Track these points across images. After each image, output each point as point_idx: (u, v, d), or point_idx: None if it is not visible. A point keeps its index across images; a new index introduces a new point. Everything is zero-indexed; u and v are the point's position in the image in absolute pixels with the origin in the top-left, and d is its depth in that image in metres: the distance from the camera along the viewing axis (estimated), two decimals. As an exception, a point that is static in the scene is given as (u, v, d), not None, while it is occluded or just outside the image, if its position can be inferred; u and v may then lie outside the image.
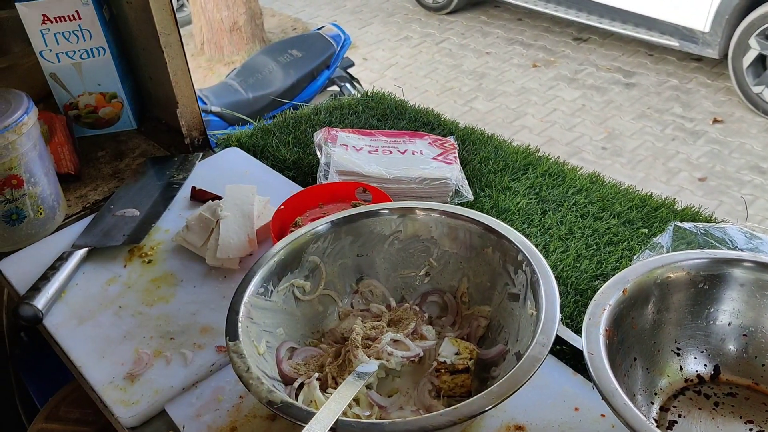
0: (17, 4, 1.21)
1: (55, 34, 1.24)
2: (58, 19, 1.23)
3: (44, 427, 1.20)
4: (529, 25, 4.90)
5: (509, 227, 0.83)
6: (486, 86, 4.25)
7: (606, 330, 0.73)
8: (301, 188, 1.11)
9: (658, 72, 4.24)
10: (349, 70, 3.69)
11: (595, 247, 1.00)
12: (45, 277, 0.99)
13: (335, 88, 3.61)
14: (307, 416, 0.66)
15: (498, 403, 0.66)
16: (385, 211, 0.89)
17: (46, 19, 1.23)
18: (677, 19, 4.00)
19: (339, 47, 3.52)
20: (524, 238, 0.82)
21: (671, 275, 0.79)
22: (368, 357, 0.80)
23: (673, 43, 4.10)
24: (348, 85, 3.58)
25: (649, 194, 1.12)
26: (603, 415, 0.77)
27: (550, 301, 0.74)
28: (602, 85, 4.17)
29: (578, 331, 0.87)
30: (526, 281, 0.79)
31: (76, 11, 1.22)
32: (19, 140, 1.03)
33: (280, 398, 0.69)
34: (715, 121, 3.77)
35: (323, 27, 3.68)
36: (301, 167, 1.22)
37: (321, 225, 0.88)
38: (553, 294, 0.75)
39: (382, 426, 0.66)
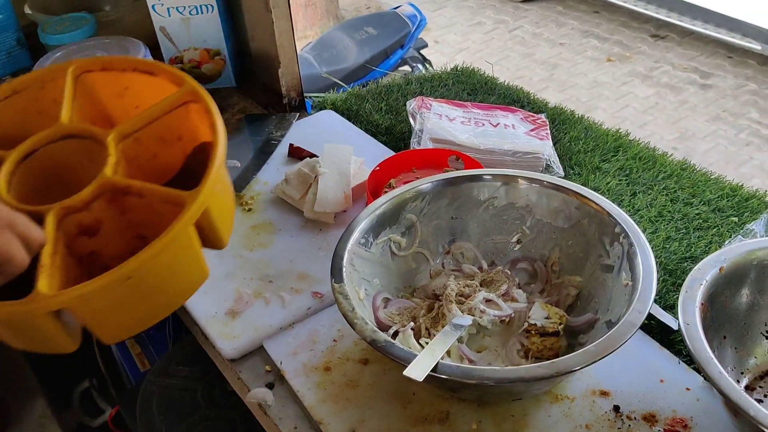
0: (136, -43, 1.26)
1: (168, -13, 1.29)
2: (172, -26, 1.28)
3: (156, 381, 1.25)
4: (605, 18, 4.83)
5: (607, 200, 0.85)
6: (557, 77, 4.21)
7: (701, 304, 0.75)
8: (393, 152, 1.15)
9: (737, 75, 4.13)
10: (422, 51, 3.71)
11: (684, 230, 1.01)
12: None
13: (407, 68, 3.63)
14: (409, 357, 0.70)
15: (594, 362, 0.68)
16: (488, 177, 0.92)
17: (161, -27, 1.28)
18: (762, 22, 3.89)
19: (414, 27, 3.54)
20: (622, 211, 0.84)
21: (769, 259, 0.80)
22: (461, 312, 0.83)
23: (755, 46, 3.98)
24: (420, 65, 3.59)
25: (740, 184, 1.12)
26: (688, 389, 0.79)
27: (647, 271, 0.76)
28: (677, 85, 4.09)
29: (666, 308, 0.89)
30: (622, 253, 0.81)
31: (190, -33, 1.27)
32: (136, 86, 1.07)
33: (383, 338, 0.73)
34: (794, 128, 3.66)
35: (400, 6, 3.69)
36: (393, 133, 1.26)
37: (424, 183, 0.91)
38: (650, 265, 0.77)
39: (482, 372, 0.70)
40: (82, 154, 0.74)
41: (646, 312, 0.72)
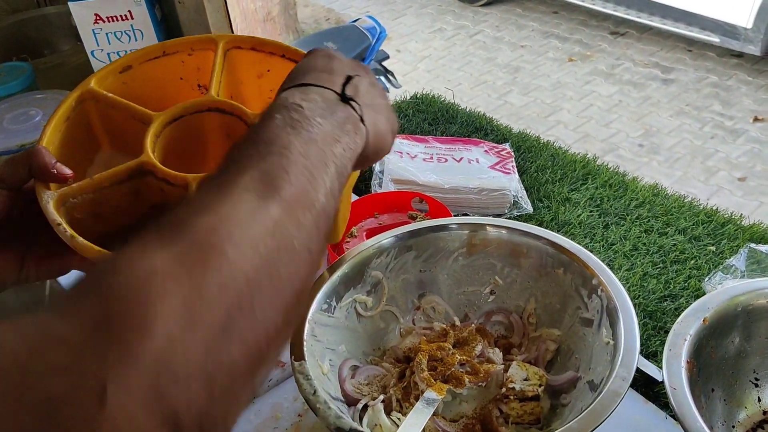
0: (70, 4, 1.20)
1: (107, 34, 1.23)
2: (110, 18, 1.21)
3: None
4: (565, 18, 4.83)
5: (584, 249, 0.80)
6: (520, 80, 4.19)
7: (687, 362, 0.70)
8: (356, 197, 1.09)
9: (697, 68, 4.15)
10: (383, 63, 3.65)
11: (661, 265, 0.97)
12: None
13: (369, 80, 3.57)
14: (379, 446, 0.64)
15: (578, 440, 0.63)
16: (454, 226, 0.86)
17: (98, 18, 1.21)
18: (719, 15, 3.91)
19: (374, 40, 3.47)
20: (600, 261, 0.79)
21: (754, 303, 0.76)
22: (434, 380, 0.77)
23: (714, 38, 4.01)
24: (383, 78, 3.53)
25: (714, 209, 1.08)
26: (678, 448, 0.75)
27: (629, 330, 0.71)
28: (639, 81, 4.09)
29: (649, 356, 0.84)
30: (601, 307, 0.76)
31: (129, 11, 1.21)
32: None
33: (348, 425, 0.67)
34: (756, 119, 3.68)
35: (359, 19, 3.63)
36: (353, 174, 1.20)
37: (386, 239, 0.85)
38: (632, 323, 0.72)
39: (459, 460, 0.64)
40: (221, 129, 0.73)
41: (630, 379, 0.67)
